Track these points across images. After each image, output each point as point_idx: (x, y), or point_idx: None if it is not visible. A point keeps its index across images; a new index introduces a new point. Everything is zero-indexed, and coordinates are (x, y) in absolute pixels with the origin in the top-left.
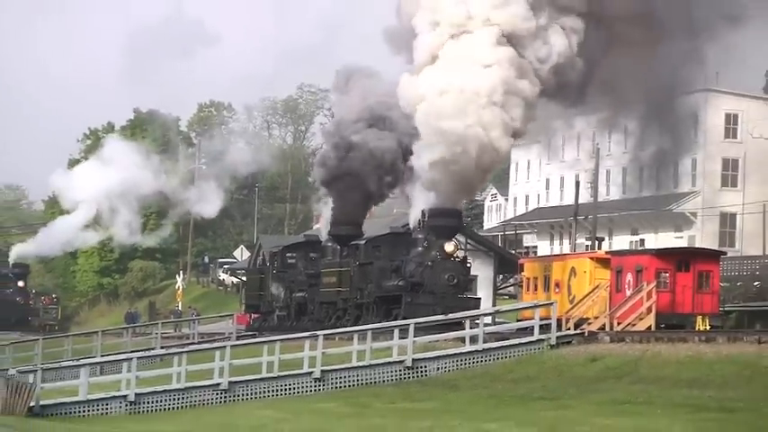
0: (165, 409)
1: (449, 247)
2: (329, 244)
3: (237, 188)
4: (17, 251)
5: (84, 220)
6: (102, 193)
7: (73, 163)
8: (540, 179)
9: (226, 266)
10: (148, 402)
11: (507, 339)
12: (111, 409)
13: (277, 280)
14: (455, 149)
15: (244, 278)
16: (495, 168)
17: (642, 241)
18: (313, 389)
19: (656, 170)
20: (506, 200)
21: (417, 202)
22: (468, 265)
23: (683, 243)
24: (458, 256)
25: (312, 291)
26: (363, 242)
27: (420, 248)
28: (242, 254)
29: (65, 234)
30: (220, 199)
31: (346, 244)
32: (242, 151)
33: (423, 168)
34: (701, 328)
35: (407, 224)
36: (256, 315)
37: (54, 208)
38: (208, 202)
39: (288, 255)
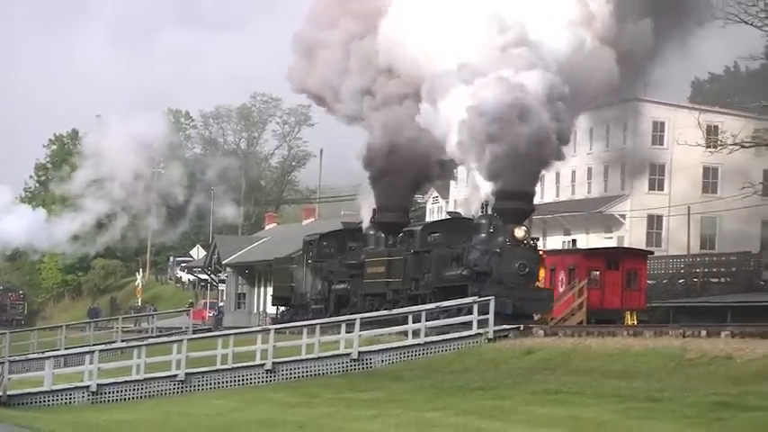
0: (125, 399)
1: (519, 232)
2: (371, 232)
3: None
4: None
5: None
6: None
7: (40, 167)
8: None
9: (183, 264)
10: (109, 392)
11: (448, 333)
12: (74, 398)
13: (312, 271)
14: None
15: (202, 276)
16: None
17: (574, 241)
18: (265, 380)
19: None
20: (447, 202)
21: (480, 185)
22: (541, 252)
23: (612, 243)
24: (529, 243)
25: (354, 282)
26: (419, 228)
27: (484, 234)
28: (198, 252)
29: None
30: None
31: (393, 232)
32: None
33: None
34: (630, 323)
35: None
36: (284, 308)
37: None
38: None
39: (324, 244)
